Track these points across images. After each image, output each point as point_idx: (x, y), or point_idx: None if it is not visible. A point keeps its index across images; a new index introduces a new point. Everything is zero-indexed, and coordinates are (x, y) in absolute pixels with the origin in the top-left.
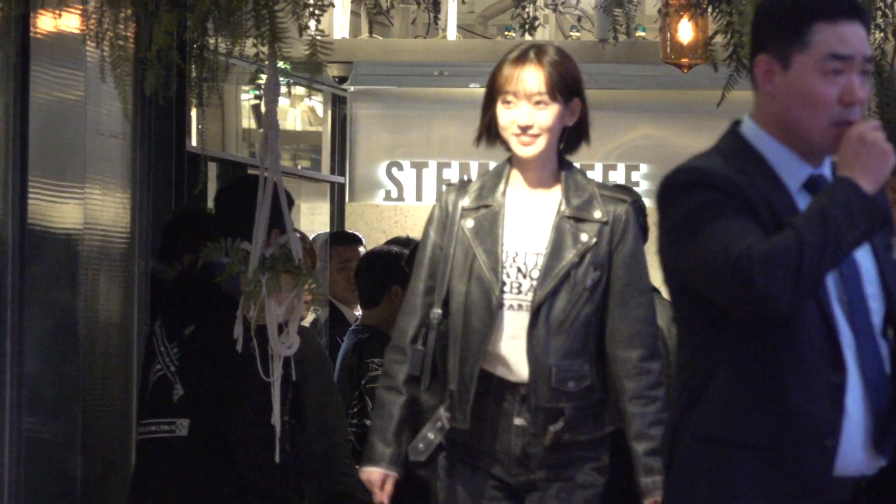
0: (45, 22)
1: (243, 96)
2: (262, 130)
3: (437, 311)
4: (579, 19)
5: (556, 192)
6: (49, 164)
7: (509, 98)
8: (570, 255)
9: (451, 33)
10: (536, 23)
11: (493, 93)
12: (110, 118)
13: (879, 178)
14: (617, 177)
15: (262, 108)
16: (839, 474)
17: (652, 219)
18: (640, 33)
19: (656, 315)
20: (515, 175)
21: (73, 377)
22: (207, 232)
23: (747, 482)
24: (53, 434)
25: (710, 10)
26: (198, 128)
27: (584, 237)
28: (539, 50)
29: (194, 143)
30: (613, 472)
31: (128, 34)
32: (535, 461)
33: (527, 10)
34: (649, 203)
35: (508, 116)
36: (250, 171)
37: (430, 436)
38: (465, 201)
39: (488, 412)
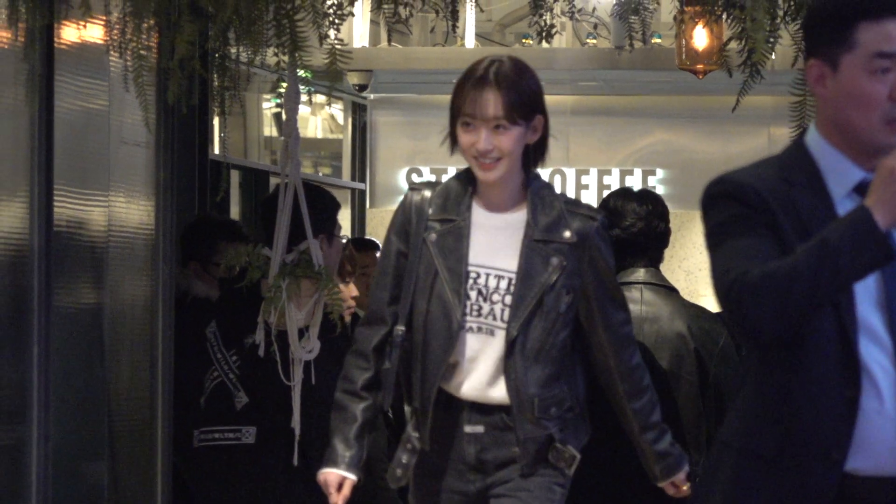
0: (69, 33)
1: (265, 105)
2: (283, 138)
3: (401, 328)
4: (595, 27)
5: (522, 211)
6: (74, 172)
7: (468, 121)
8: (541, 281)
9: (470, 41)
10: (553, 30)
11: (455, 110)
12: (134, 127)
13: None
14: (634, 181)
15: (283, 116)
16: (873, 474)
17: (677, 221)
18: (655, 40)
19: (630, 315)
20: (481, 188)
21: (98, 380)
22: (211, 240)
23: (755, 491)
24: (80, 435)
25: (724, 16)
26: (220, 136)
27: (554, 261)
28: (497, 69)
29: (216, 150)
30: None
31: (150, 44)
32: (491, 466)
33: (544, 17)
34: (669, 207)
35: (468, 140)
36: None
37: (404, 459)
38: (430, 210)
39: (439, 423)
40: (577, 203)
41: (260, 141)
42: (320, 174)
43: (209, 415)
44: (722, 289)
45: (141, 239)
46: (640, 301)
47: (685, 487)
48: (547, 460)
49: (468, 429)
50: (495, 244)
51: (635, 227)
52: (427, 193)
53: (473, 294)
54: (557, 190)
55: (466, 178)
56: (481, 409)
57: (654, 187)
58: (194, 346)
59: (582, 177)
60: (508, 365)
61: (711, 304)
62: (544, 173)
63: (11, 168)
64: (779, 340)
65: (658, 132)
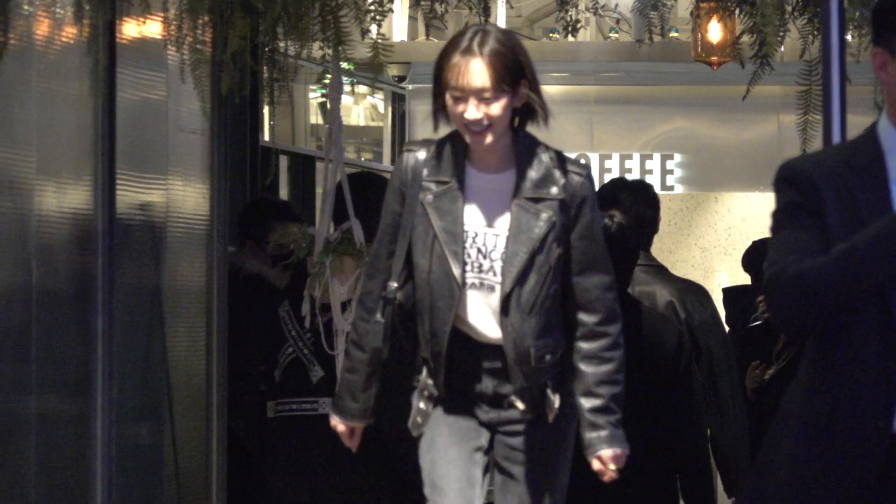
0: (130, 29)
1: (311, 95)
2: (327, 126)
3: (393, 284)
4: (618, 21)
5: (513, 170)
6: (135, 159)
7: (456, 94)
8: (532, 237)
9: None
10: (578, 25)
11: (442, 82)
12: (190, 116)
13: None
14: (653, 165)
15: (328, 105)
16: None
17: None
18: (673, 34)
19: (613, 281)
20: (472, 151)
21: (157, 351)
22: (265, 220)
23: (812, 457)
24: (141, 403)
25: (737, 12)
26: (269, 124)
27: (543, 216)
28: (482, 40)
29: (266, 137)
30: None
31: (205, 39)
32: (507, 401)
33: (569, 13)
34: (684, 189)
35: (458, 110)
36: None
37: (423, 406)
38: (425, 171)
39: (458, 360)
40: (565, 159)
41: (306, 128)
42: (362, 159)
43: (285, 387)
44: (764, 280)
45: (197, 220)
46: (633, 283)
47: (611, 471)
48: (544, 411)
49: (486, 364)
50: (489, 204)
51: (628, 214)
52: (421, 155)
53: (474, 252)
54: None
55: (459, 140)
56: (495, 349)
57: (672, 171)
58: (263, 324)
59: (605, 161)
60: (504, 320)
61: (725, 279)
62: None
63: (77, 155)
64: (805, 333)
65: (676, 119)
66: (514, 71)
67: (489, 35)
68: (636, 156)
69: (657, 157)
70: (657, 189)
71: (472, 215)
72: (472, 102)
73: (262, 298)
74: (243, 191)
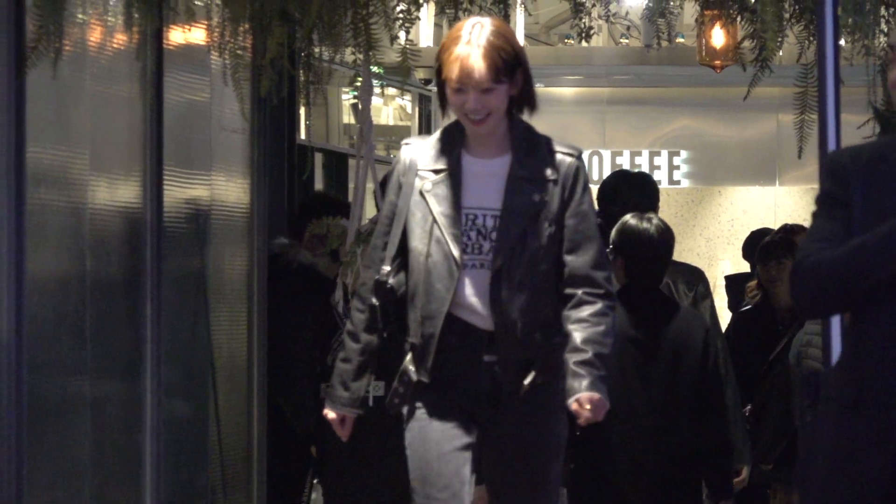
0: (176, 35)
1: (343, 96)
2: (359, 125)
3: (385, 268)
4: (628, 28)
5: (508, 155)
6: (180, 156)
7: (456, 86)
8: (525, 216)
9: (519, 41)
10: (591, 32)
11: (443, 76)
12: (232, 116)
13: None
14: (661, 161)
15: (359, 106)
16: None
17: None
18: (679, 39)
19: (605, 259)
20: (469, 139)
21: (203, 336)
22: (319, 215)
23: (844, 434)
24: (187, 384)
25: (738, 19)
26: (305, 123)
27: (536, 197)
28: (480, 35)
29: (302, 136)
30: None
31: (246, 45)
32: (504, 397)
33: (583, 20)
34: (690, 183)
35: (458, 100)
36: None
37: (401, 390)
38: (422, 162)
39: (456, 353)
40: (557, 143)
41: (339, 127)
42: (391, 156)
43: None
44: (792, 266)
45: (238, 212)
46: None
47: (585, 412)
48: (530, 386)
49: (487, 358)
50: (486, 188)
51: (626, 205)
52: (418, 147)
53: (473, 234)
54: (595, 170)
55: (454, 130)
56: (493, 339)
57: (679, 166)
58: (314, 312)
59: (616, 157)
60: (493, 291)
61: (728, 266)
62: (584, 155)
63: (127, 153)
64: (821, 317)
65: (682, 119)
66: (510, 62)
67: (486, 28)
68: (645, 152)
69: (665, 153)
70: (665, 183)
71: (470, 199)
72: (473, 94)
73: (314, 287)
74: (281, 186)
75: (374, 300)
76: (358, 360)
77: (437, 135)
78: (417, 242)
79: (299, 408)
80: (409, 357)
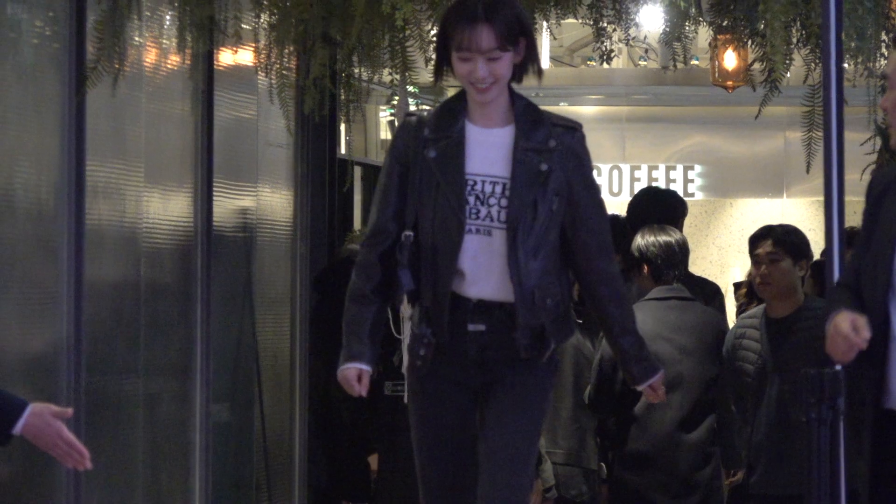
0: (226, 57)
1: (381, 114)
2: None
3: (408, 232)
4: (646, 51)
5: (511, 126)
6: (229, 170)
7: (464, 55)
8: (534, 185)
9: (545, 62)
10: (612, 54)
11: (447, 44)
12: (277, 132)
13: None
14: (676, 175)
15: (396, 123)
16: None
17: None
18: (694, 61)
19: (609, 225)
20: (472, 109)
21: (249, 338)
22: None
23: (854, 437)
24: (234, 382)
25: (749, 42)
26: (345, 139)
27: (543, 167)
28: (486, 4)
29: (343, 151)
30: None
31: (291, 66)
32: (491, 363)
33: (605, 43)
34: (703, 196)
35: (465, 68)
36: None
37: (422, 352)
38: (426, 131)
39: (448, 320)
40: (559, 116)
41: (377, 143)
42: None
43: (401, 369)
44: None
45: (282, 222)
46: None
47: (661, 391)
48: (540, 351)
49: (471, 327)
50: (489, 155)
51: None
52: (422, 118)
53: (472, 199)
54: (615, 183)
55: (457, 101)
56: (484, 308)
57: (693, 180)
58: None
59: (635, 171)
60: (511, 258)
61: (739, 274)
62: (604, 169)
63: (179, 167)
64: None
65: (696, 135)
66: (516, 31)
67: None
68: (662, 167)
69: (680, 168)
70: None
71: (471, 165)
72: (480, 62)
73: None
74: (322, 197)
75: (402, 261)
76: (373, 318)
77: (440, 106)
78: (425, 208)
79: (354, 403)
80: (424, 321)
